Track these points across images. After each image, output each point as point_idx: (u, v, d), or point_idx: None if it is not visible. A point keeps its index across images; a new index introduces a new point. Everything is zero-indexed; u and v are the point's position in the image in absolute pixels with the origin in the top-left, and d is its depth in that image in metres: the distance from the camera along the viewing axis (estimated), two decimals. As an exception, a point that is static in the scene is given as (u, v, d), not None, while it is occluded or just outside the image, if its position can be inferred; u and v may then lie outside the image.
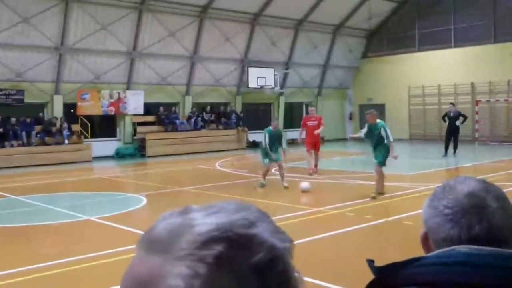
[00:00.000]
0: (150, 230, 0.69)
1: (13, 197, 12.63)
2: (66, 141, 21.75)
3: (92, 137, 23.18)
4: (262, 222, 0.68)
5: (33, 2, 20.51)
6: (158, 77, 25.04)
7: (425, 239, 1.25)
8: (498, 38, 26.59)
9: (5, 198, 12.52)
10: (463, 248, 1.13)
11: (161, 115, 25.06)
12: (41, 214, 10.54)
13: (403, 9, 30.51)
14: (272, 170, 17.01)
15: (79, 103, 22.71)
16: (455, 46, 28.14)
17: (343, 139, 30.83)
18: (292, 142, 28.72)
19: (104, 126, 24.75)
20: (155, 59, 24.65)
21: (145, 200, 11.60)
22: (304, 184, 12.01)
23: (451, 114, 19.74)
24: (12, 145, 20.57)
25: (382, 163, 10.87)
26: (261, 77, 27.57)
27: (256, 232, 0.66)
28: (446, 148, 19.44)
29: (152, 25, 23.86)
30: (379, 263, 1.16)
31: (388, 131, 10.84)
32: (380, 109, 31.16)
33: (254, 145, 27.61)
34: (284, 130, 29.76)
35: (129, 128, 24.49)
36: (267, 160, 12.73)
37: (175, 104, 26.12)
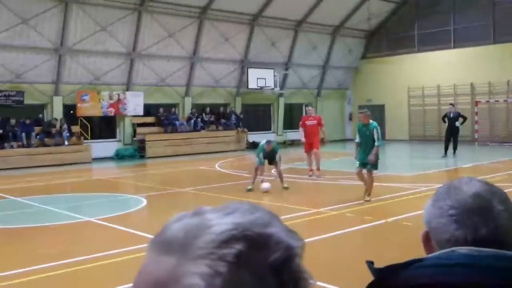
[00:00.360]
0: (163, 231, 0.69)
1: (13, 198, 12.63)
2: (66, 142, 21.75)
3: (91, 138, 23.18)
4: (276, 222, 0.70)
5: (32, 3, 20.52)
6: (157, 78, 25.05)
7: (426, 239, 1.24)
8: (498, 38, 26.61)
9: (5, 200, 12.52)
10: (463, 249, 1.13)
11: (160, 116, 25.06)
12: (41, 215, 10.54)
13: (402, 10, 30.53)
14: (272, 171, 17.02)
15: (78, 104, 22.72)
16: (455, 47, 28.16)
17: (343, 140, 30.86)
18: (292, 143, 28.77)
19: (103, 127, 24.76)
20: (155, 60, 24.66)
21: (145, 201, 11.60)
22: (265, 185, 12.04)
23: (451, 114, 19.75)
24: (12, 147, 20.57)
25: (376, 167, 10.66)
26: (260, 78, 27.58)
27: (273, 232, 0.67)
28: (446, 148, 19.44)
29: (152, 26, 23.87)
30: (378, 264, 1.16)
31: (380, 134, 10.59)
32: (380, 110, 31.24)
33: (254, 146, 27.61)
34: (284, 131, 29.90)
35: (128, 129, 24.50)
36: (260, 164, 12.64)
37: (175, 105, 26.13)
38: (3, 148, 20.33)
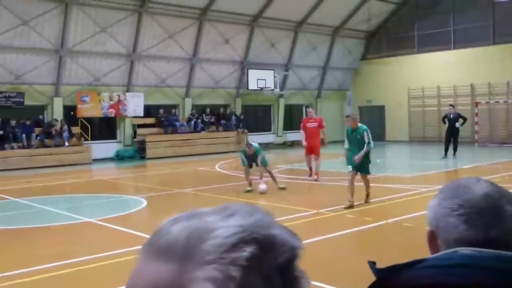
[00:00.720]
0: (160, 234, 0.65)
1: (13, 199, 12.64)
2: (66, 143, 21.76)
3: (92, 139, 23.20)
4: (276, 223, 0.69)
5: (33, 5, 20.54)
6: (157, 79, 25.07)
7: (432, 238, 1.23)
8: (498, 39, 26.62)
9: (5, 200, 12.53)
10: (465, 250, 1.13)
11: (161, 117, 25.08)
12: (41, 216, 10.55)
13: (402, 11, 30.56)
14: (273, 172, 17.02)
15: (79, 105, 22.74)
16: (455, 48, 28.18)
17: (343, 141, 30.81)
18: (292, 144, 28.78)
19: (104, 128, 24.77)
20: (155, 61, 24.68)
21: (145, 202, 11.61)
22: (262, 187, 11.98)
23: (451, 116, 19.76)
24: (12, 147, 20.59)
25: (368, 171, 10.48)
26: (260, 79, 27.60)
27: (276, 233, 0.66)
28: (446, 149, 19.45)
29: (152, 27, 23.88)
30: (379, 265, 1.16)
31: (370, 136, 10.43)
32: (380, 111, 31.26)
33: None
34: (284, 132, 29.90)
35: (129, 130, 24.51)
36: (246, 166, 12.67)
37: (175, 106, 26.15)
38: (3, 149, 20.34)
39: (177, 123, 25.25)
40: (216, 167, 18.94)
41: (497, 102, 26.40)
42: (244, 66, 27.59)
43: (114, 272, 6.34)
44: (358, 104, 32.41)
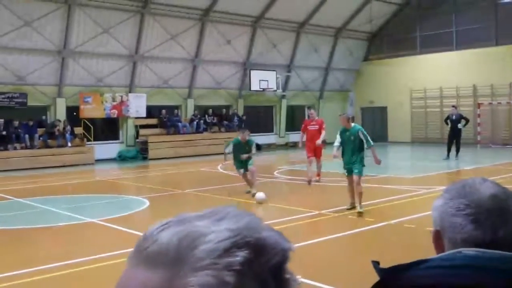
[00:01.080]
0: (148, 241, 0.64)
1: (16, 199, 12.67)
2: (69, 144, 21.80)
3: (94, 140, 23.24)
4: (265, 225, 0.69)
5: (35, 6, 20.59)
6: (160, 80, 25.10)
7: (437, 238, 1.23)
8: (500, 40, 26.59)
9: (8, 201, 12.56)
10: (469, 251, 1.13)
11: (163, 118, 25.11)
12: (43, 216, 10.57)
13: (404, 12, 30.55)
14: (274, 173, 17.04)
15: (81, 106, 22.78)
16: (457, 49, 28.15)
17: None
18: (294, 145, 28.77)
19: (106, 129, 24.81)
20: (157, 62, 24.71)
21: (147, 202, 11.63)
22: (259, 195, 10.97)
23: (453, 117, 19.74)
24: (15, 148, 20.63)
25: (361, 173, 9.75)
26: (263, 80, 27.61)
27: (267, 236, 0.66)
28: (448, 151, 19.43)
29: (154, 28, 23.91)
30: (381, 266, 1.17)
31: (367, 135, 9.88)
32: (382, 112, 31.24)
33: (256, 148, 27.65)
34: (286, 133, 29.89)
35: (131, 131, 24.55)
36: (242, 171, 12.15)
37: (177, 107, 26.18)
38: (6, 149, 20.39)
39: (179, 124, 25.28)
40: (218, 168, 18.95)
41: (500, 103, 26.37)
42: (246, 67, 27.60)
43: (116, 272, 6.34)
44: (360, 105, 32.41)
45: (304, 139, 14.78)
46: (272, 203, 11.17)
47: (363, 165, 9.81)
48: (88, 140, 22.94)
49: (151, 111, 25.09)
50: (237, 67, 27.59)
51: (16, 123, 21.00)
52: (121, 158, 23.59)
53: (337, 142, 10.09)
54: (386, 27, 31.46)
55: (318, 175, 14.30)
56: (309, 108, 22.51)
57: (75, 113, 22.86)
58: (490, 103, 26.63)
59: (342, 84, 32.77)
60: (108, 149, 23.53)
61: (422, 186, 12.65)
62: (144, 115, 24.52)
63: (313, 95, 31.51)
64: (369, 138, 9.85)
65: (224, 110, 27.76)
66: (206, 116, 26.78)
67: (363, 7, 29.22)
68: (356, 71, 32.76)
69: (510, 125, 26.27)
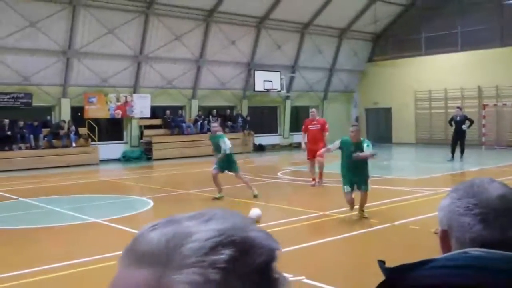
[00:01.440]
0: (138, 241, 0.67)
1: (21, 199, 12.71)
2: (73, 144, 21.86)
3: (99, 140, 23.29)
4: (254, 226, 0.69)
5: (40, 7, 20.65)
6: (164, 80, 25.14)
7: (444, 238, 1.23)
8: (505, 41, 26.51)
9: (13, 201, 12.61)
10: (475, 251, 1.12)
11: (167, 118, 25.14)
12: (48, 216, 10.60)
13: (409, 13, 30.49)
14: (278, 174, 17.03)
15: (86, 107, 22.84)
16: (462, 50, 28.08)
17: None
18: (298, 146, 28.74)
19: (110, 129, 24.86)
20: (161, 63, 24.75)
21: (151, 203, 11.65)
22: (255, 212, 8.88)
23: (457, 118, 19.69)
24: (20, 148, 20.70)
25: (367, 187, 9.06)
26: (267, 81, 27.62)
27: (254, 235, 0.67)
28: (453, 152, 19.38)
29: (158, 29, 23.96)
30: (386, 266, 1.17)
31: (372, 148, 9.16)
32: (386, 113, 31.18)
33: (260, 148, 27.66)
34: (290, 133, 29.85)
35: (135, 131, 24.60)
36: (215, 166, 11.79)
37: (182, 108, 26.22)
38: (11, 149, 20.46)
39: (184, 124, 25.31)
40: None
41: (505, 104, 26.27)
42: (251, 67, 27.61)
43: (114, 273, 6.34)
44: (364, 106, 32.38)
45: (306, 139, 14.21)
46: (276, 204, 11.16)
47: (368, 176, 9.12)
48: (93, 140, 22.99)
49: (156, 111, 25.13)
50: (241, 67, 27.61)
51: (21, 123, 21.07)
52: (126, 158, 23.64)
53: (331, 146, 9.45)
54: (390, 28, 31.41)
55: (321, 175, 13.76)
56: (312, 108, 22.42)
57: (79, 114, 22.91)
58: (495, 105, 26.54)
59: (347, 85, 32.73)
60: (112, 149, 23.58)
61: (427, 188, 12.62)
62: (149, 115, 24.57)
63: (317, 96, 31.48)
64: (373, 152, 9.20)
65: (228, 111, 27.77)
66: (210, 116, 26.80)
67: (368, 8, 29.19)
68: (360, 72, 32.72)
69: (515, 127, 26.17)
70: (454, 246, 1.19)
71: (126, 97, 23.84)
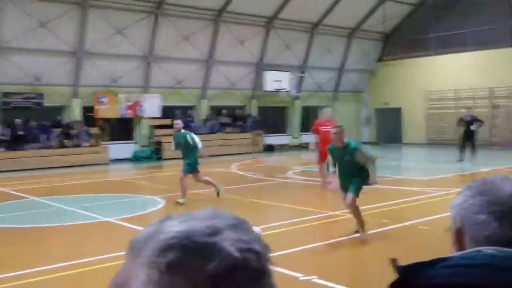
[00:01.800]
0: (136, 236, 0.75)
1: (32, 198, 12.83)
2: (84, 144, 22.01)
3: (109, 140, 23.43)
4: (230, 230, 0.69)
5: (50, 7, 20.81)
6: (174, 80, 25.23)
7: (458, 236, 1.21)
8: (516, 41, 26.34)
9: (25, 200, 12.73)
10: (489, 249, 1.12)
11: (177, 118, 25.19)
12: (59, 215, 10.68)
13: (418, 12, 30.37)
14: (288, 173, 17.01)
15: (96, 107, 22.98)
16: (472, 50, 27.91)
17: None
18: (307, 146, 28.74)
19: (121, 129, 24.99)
20: (171, 63, 24.83)
21: (162, 202, 11.71)
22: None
23: (467, 118, 19.59)
24: (31, 148, 20.87)
25: (357, 191, 7.84)
26: (276, 81, 27.63)
27: (215, 241, 0.67)
28: (462, 152, 19.27)
29: (168, 29, 24.04)
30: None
31: (366, 151, 8.05)
32: (396, 113, 31.07)
33: (269, 148, 27.68)
34: (300, 133, 29.83)
35: (145, 131, 24.71)
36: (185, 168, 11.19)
37: (191, 108, 26.29)
38: (23, 149, 20.64)
39: (193, 124, 25.38)
40: (233, 168, 19.01)
41: (516, 104, 26.09)
42: (260, 67, 27.64)
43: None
44: (374, 106, 32.29)
45: (314, 140, 13.41)
46: (285, 204, 11.18)
47: (363, 181, 7.84)
48: (103, 140, 23.12)
49: (165, 111, 25.23)
50: (250, 67, 27.64)
51: (32, 123, 21.26)
52: (136, 158, 23.76)
53: (332, 168, 8.19)
54: (400, 27, 31.30)
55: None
56: (323, 108, 22.28)
57: (90, 113, 23.05)
58: (506, 105, 26.36)
59: (356, 85, 32.66)
60: (123, 149, 23.69)
61: (437, 188, 12.59)
62: (158, 115, 24.66)
63: (327, 96, 31.44)
64: (369, 154, 7.94)
65: (238, 111, 27.81)
66: (220, 116, 26.85)
67: (377, 7, 29.12)
68: (370, 72, 32.64)
69: (526, 127, 25.98)
70: (467, 245, 1.18)
71: (136, 97, 23.95)
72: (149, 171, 20.38)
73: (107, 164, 22.03)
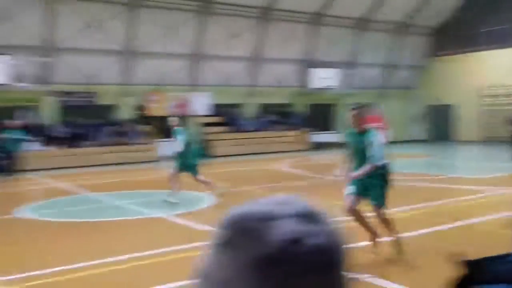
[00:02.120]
0: None
1: (86, 194, 13.24)
2: (136, 141, 22.52)
3: (160, 137, 23.86)
4: (291, 218, 0.66)
5: (101, 8, 21.41)
6: (222, 78, 25.46)
7: None
8: None
9: (79, 195, 13.15)
10: None
11: (226, 116, 25.45)
12: (113, 210, 10.96)
13: (471, 5, 29.50)
14: (336, 171, 16.89)
15: (147, 105, 23.45)
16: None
17: (407, 141, 30.03)
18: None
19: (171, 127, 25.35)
20: (219, 61, 25.08)
21: (214, 199, 11.84)
22: None
23: None
24: (85, 145, 21.53)
25: (382, 203, 6.70)
26: (324, 78, 27.46)
27: (265, 227, 0.66)
28: (513, 152, 18.58)
29: (215, 27, 24.28)
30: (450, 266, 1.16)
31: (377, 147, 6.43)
32: (448, 110, 30.32)
33: (317, 146, 27.53)
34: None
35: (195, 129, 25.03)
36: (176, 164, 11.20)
37: (240, 105, 26.47)
38: (77, 146, 21.32)
39: (242, 122, 25.56)
40: (282, 165, 19.02)
41: None
42: (308, 64, 27.52)
43: (179, 266, 6.52)
44: (426, 103, 31.60)
45: None
46: (337, 202, 11.10)
47: (385, 188, 6.62)
48: (154, 137, 23.59)
49: (215, 109, 25.49)
50: (297, 64, 27.58)
51: (86, 121, 21.93)
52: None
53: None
54: (452, 22, 30.51)
55: None
56: (371, 105, 22.03)
57: (141, 112, 23.55)
58: None
59: (406, 81, 32.05)
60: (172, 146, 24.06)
61: (492, 187, 12.23)
62: (208, 113, 24.93)
63: (375, 93, 30.99)
64: (376, 154, 6.43)
65: (286, 108, 27.81)
66: (268, 114, 26.93)
67: (428, 1, 28.46)
68: (420, 68, 31.96)
69: None
70: None
71: (185, 95, 24.31)
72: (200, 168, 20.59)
73: (158, 161, 22.45)
